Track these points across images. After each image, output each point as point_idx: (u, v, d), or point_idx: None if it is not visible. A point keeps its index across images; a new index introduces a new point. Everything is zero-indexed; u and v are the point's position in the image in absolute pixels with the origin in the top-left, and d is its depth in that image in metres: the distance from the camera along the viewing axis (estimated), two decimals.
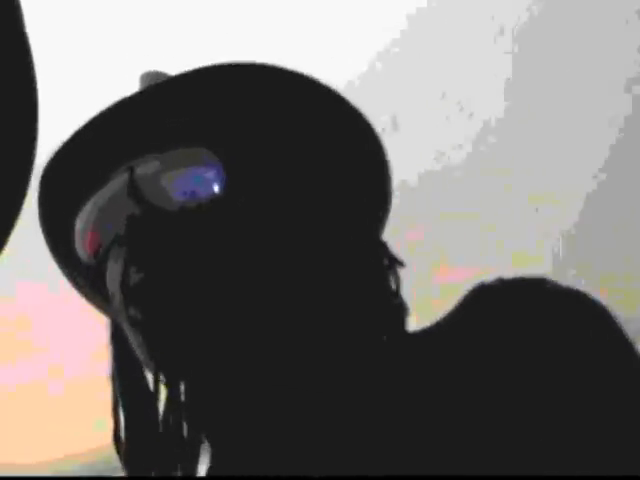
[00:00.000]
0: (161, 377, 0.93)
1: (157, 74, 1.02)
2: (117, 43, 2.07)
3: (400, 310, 0.97)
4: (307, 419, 0.91)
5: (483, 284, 0.94)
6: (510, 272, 0.94)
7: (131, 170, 0.94)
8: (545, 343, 0.88)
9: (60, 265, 1.04)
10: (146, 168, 0.94)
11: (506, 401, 0.86)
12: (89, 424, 2.82)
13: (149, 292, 0.90)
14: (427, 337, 0.95)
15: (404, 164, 2.34)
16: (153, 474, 0.94)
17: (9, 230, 0.72)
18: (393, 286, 0.97)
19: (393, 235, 1.03)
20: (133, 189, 0.93)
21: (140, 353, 0.93)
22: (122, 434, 0.97)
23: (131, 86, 1.00)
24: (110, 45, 2.07)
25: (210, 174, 0.93)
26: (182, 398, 0.93)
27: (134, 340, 0.93)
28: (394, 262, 0.98)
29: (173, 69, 0.99)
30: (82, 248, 0.98)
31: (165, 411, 0.94)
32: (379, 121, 1.03)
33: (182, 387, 0.93)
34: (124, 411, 0.97)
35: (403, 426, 0.88)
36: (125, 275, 0.91)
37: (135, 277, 0.91)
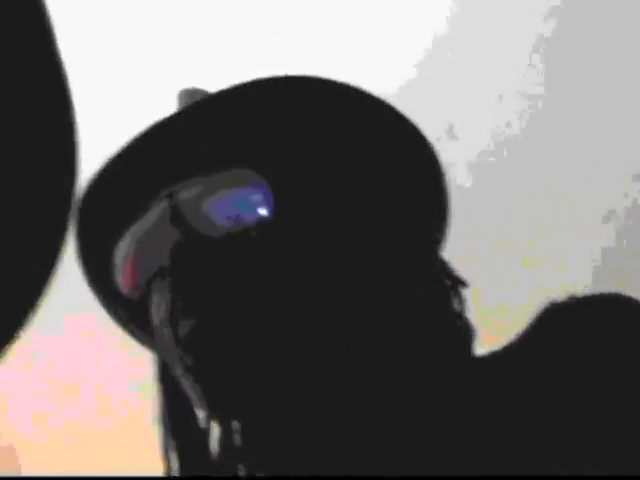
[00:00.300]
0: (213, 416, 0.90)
1: (195, 91, 0.98)
2: (150, 61, 2.06)
3: (466, 333, 0.91)
4: (367, 453, 0.87)
5: (555, 303, 0.89)
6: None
7: (172, 196, 0.90)
8: (629, 365, 0.83)
9: (99, 299, 1.00)
10: (188, 193, 0.90)
11: (589, 431, 0.82)
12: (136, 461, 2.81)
13: (202, 340, 0.86)
14: (497, 362, 0.90)
15: (462, 172, 2.30)
16: None
17: (53, 269, 0.71)
18: (457, 307, 0.92)
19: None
20: (175, 216, 0.89)
21: (191, 393, 0.89)
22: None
23: (169, 105, 0.96)
24: (143, 63, 2.06)
25: (256, 196, 0.89)
26: (236, 437, 0.89)
27: (184, 381, 0.89)
28: (457, 281, 0.93)
29: (212, 85, 0.95)
30: (122, 281, 0.94)
31: (219, 452, 0.90)
32: (434, 130, 0.98)
33: (236, 426, 0.89)
34: (176, 453, 0.93)
35: (472, 459, 0.84)
36: (172, 313, 0.87)
37: (185, 325, 0.86)
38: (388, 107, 0.94)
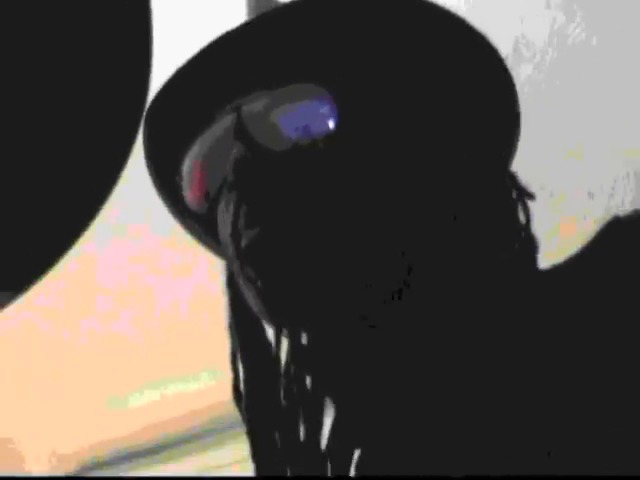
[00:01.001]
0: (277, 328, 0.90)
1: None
2: None
3: (530, 245, 0.91)
4: (432, 369, 0.88)
5: (618, 217, 0.88)
6: None
7: (238, 109, 0.90)
8: None
9: (170, 209, 1.00)
10: (254, 106, 0.90)
11: None
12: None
13: (263, 251, 0.86)
14: (561, 275, 0.89)
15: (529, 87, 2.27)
16: (275, 429, 0.91)
17: (120, 168, 0.72)
18: (522, 219, 0.92)
19: None
20: (240, 129, 0.89)
21: (254, 305, 0.90)
22: (241, 387, 0.94)
23: (238, 14, 0.95)
24: None
25: (324, 109, 0.89)
26: (305, 349, 0.89)
27: (248, 292, 0.90)
28: (523, 193, 0.93)
29: None
30: (189, 195, 0.95)
31: (287, 362, 0.91)
32: (501, 45, 0.97)
33: (304, 338, 0.89)
34: (243, 362, 0.94)
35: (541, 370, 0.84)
36: (235, 226, 0.87)
37: (247, 235, 0.87)
38: (457, 19, 0.93)
